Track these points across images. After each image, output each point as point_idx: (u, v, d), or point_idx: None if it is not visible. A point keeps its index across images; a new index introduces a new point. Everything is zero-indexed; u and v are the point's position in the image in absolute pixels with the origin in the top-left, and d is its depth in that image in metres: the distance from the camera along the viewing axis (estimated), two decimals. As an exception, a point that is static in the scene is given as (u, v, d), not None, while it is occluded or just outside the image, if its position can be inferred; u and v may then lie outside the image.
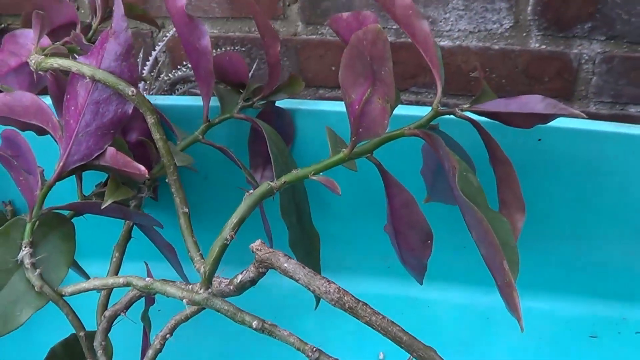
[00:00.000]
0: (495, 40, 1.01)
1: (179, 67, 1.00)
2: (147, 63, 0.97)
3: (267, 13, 1.04)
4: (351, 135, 0.53)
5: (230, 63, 0.67)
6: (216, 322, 0.74)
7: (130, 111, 0.57)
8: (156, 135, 0.57)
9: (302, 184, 0.65)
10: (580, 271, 0.75)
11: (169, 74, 0.99)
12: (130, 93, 0.56)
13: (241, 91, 0.68)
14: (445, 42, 1.02)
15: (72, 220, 0.61)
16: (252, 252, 0.51)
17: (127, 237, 0.63)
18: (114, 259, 0.62)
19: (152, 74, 0.97)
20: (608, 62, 1.00)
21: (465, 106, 0.55)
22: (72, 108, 0.57)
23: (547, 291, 0.76)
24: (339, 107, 0.70)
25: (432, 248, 0.57)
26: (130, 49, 0.57)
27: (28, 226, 0.57)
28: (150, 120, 0.57)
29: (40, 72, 0.59)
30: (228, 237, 0.52)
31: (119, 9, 0.57)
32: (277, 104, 0.69)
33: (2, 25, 1.12)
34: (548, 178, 0.69)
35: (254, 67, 1.05)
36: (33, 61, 0.60)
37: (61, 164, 0.57)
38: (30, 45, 0.66)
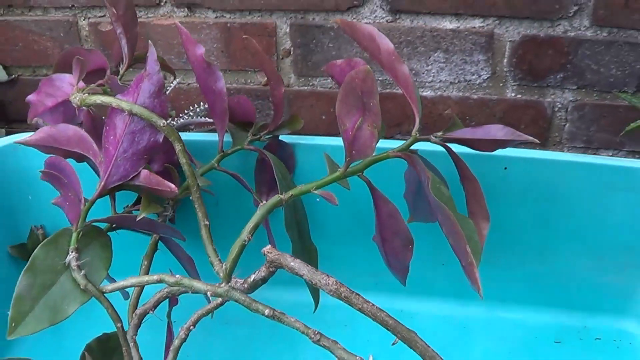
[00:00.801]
0: (474, 90, 1.17)
1: (180, 115, 1.18)
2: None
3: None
4: (345, 157, 0.71)
5: (239, 105, 0.87)
6: (225, 330, 0.93)
7: (161, 140, 0.76)
8: (182, 160, 0.76)
9: (302, 206, 0.84)
10: (545, 285, 0.94)
11: (173, 122, 1.17)
12: (161, 124, 0.75)
13: (248, 129, 0.88)
14: (427, 92, 1.18)
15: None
16: (264, 255, 0.69)
17: (154, 248, 0.81)
18: (143, 267, 0.80)
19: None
20: (580, 110, 1.16)
21: (439, 134, 0.74)
22: (111, 137, 0.76)
23: (516, 303, 0.95)
24: (333, 141, 0.89)
25: (412, 252, 0.76)
26: (162, 88, 0.76)
27: (74, 235, 0.75)
28: (178, 147, 0.76)
29: (83, 107, 0.78)
30: (246, 238, 0.70)
31: (152, 55, 0.76)
32: (281, 138, 0.88)
33: (13, 76, 1.29)
34: (514, 202, 0.88)
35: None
36: (77, 99, 0.78)
37: (102, 184, 0.75)
38: (65, 87, 0.85)
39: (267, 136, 0.87)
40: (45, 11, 1.25)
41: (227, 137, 0.86)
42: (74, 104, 0.79)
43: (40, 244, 0.74)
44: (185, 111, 1.20)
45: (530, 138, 0.70)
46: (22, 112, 1.29)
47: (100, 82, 0.83)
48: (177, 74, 1.18)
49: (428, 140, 0.74)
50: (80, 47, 1.01)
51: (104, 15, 1.22)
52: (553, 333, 0.94)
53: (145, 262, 0.81)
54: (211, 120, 1.09)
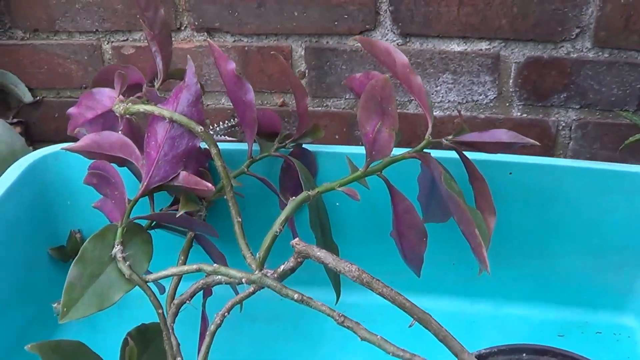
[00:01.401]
0: (481, 110, 1.28)
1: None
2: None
3: (278, 87, 1.32)
4: (366, 158, 0.84)
5: (265, 117, 1.00)
6: (251, 327, 1.06)
7: (198, 144, 0.89)
8: (218, 163, 0.89)
9: (324, 207, 0.97)
10: (548, 283, 1.06)
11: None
12: (199, 130, 0.88)
13: (273, 139, 1.02)
14: (436, 112, 1.28)
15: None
16: (293, 247, 0.80)
17: (190, 244, 0.94)
18: (180, 261, 0.92)
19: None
20: (583, 128, 1.26)
21: (450, 137, 0.87)
22: (153, 143, 0.89)
23: (521, 300, 1.06)
24: (351, 149, 1.02)
25: (426, 244, 0.89)
26: (199, 97, 0.89)
27: (119, 230, 0.87)
28: (214, 150, 0.89)
29: (126, 115, 0.92)
30: (277, 230, 0.82)
31: (190, 69, 0.90)
32: (304, 146, 1.02)
33: (37, 98, 1.40)
34: (518, 205, 1.00)
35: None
36: (121, 108, 0.91)
37: (145, 184, 0.88)
38: (105, 100, 0.97)
39: (292, 144, 1.01)
40: (69, 35, 1.36)
41: (255, 147, 0.99)
42: (117, 113, 0.92)
43: (88, 238, 0.87)
44: (210, 134, 1.34)
45: (532, 141, 0.82)
46: (46, 133, 1.42)
47: (139, 94, 0.96)
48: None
49: (440, 143, 0.87)
50: (117, 65, 1.16)
51: (127, 40, 1.34)
52: (556, 327, 1.06)
53: (182, 257, 0.93)
54: (231, 138, 1.23)
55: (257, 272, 0.82)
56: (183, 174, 0.88)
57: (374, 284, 0.75)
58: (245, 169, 0.98)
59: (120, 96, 0.95)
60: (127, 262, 0.86)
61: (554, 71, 1.23)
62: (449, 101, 1.30)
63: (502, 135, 0.84)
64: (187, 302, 0.87)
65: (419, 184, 0.93)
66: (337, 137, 1.36)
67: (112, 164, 0.90)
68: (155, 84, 1.00)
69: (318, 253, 0.78)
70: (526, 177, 1.00)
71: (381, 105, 0.80)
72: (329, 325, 0.79)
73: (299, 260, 0.80)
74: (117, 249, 0.86)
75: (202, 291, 0.88)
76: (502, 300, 1.08)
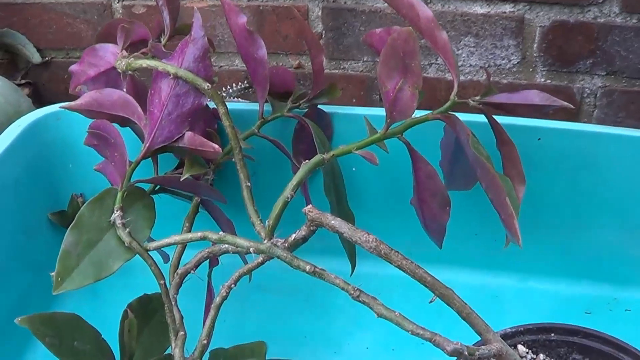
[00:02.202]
0: (503, 75, 1.20)
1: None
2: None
3: (294, 49, 1.24)
4: (386, 118, 0.74)
5: (279, 75, 0.90)
6: (260, 297, 0.96)
7: (205, 103, 0.79)
8: (226, 123, 0.79)
9: (340, 172, 0.86)
10: (576, 256, 0.96)
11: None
12: (206, 87, 0.78)
13: (287, 99, 0.91)
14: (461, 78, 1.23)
15: (150, 196, 0.83)
16: (305, 214, 0.72)
17: (195, 210, 0.84)
18: (185, 228, 0.83)
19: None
20: (608, 96, 1.18)
21: (477, 98, 0.77)
22: (156, 100, 0.79)
23: (547, 274, 0.97)
24: (370, 111, 0.92)
25: (449, 214, 0.79)
26: (206, 52, 0.79)
27: (119, 194, 0.78)
28: (222, 110, 0.79)
29: (129, 72, 0.82)
30: (289, 195, 0.73)
31: (197, 21, 0.79)
32: (319, 106, 0.92)
33: (47, 59, 1.32)
34: (547, 173, 0.90)
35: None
36: (123, 63, 0.81)
37: (147, 145, 0.78)
38: (108, 57, 0.88)
39: (306, 104, 0.90)
40: (78, -6, 1.26)
41: (267, 107, 0.89)
42: (119, 69, 0.82)
43: (86, 202, 0.77)
44: (218, 92, 1.25)
45: (566, 103, 0.73)
46: (56, 94, 1.34)
47: (143, 50, 0.86)
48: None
49: (466, 104, 0.76)
50: (123, 19, 1.05)
51: (138, -2, 1.25)
52: (584, 304, 0.96)
53: (187, 224, 0.84)
54: (244, 101, 1.13)
55: (266, 241, 0.72)
56: (188, 134, 0.78)
57: (392, 256, 0.67)
58: (256, 130, 0.87)
59: (124, 51, 0.84)
60: (127, 229, 0.77)
61: (580, 36, 1.14)
62: (471, 65, 1.21)
63: (534, 96, 0.74)
64: (192, 272, 0.79)
65: (442, 148, 0.84)
66: (354, 100, 1.28)
67: (114, 123, 0.80)
68: (162, 40, 0.90)
69: (332, 222, 0.69)
70: (556, 144, 0.91)
71: (403, 60, 0.70)
72: (343, 298, 0.71)
73: (311, 228, 0.71)
74: (116, 215, 0.77)
75: (207, 260, 0.79)
76: (527, 274, 0.99)
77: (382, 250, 0.67)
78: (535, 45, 1.17)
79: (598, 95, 1.20)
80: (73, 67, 0.90)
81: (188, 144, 0.78)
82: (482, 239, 0.97)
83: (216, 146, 0.77)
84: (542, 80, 1.20)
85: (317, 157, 0.75)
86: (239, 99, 1.18)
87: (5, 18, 1.32)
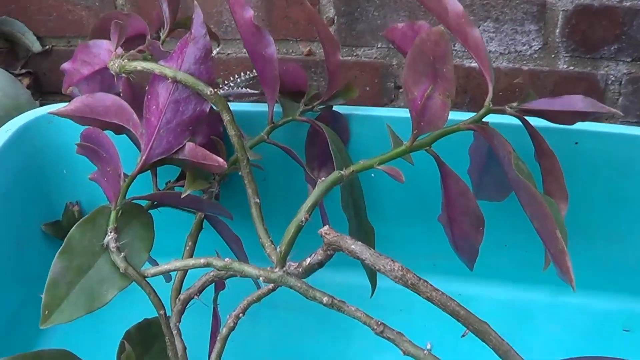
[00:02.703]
0: (524, 62, 1.09)
1: (220, 86, 1.09)
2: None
3: (305, 35, 1.13)
4: (412, 129, 0.61)
5: (289, 73, 0.77)
6: (273, 315, 0.84)
7: (207, 109, 0.66)
8: (231, 132, 0.66)
9: (359, 183, 0.73)
10: (614, 268, 0.84)
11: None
12: (208, 93, 0.65)
13: (299, 98, 0.78)
14: (476, 64, 1.09)
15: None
16: (321, 236, 0.60)
17: (199, 227, 0.71)
18: (187, 247, 0.71)
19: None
20: (634, 83, 1.07)
21: (514, 104, 0.64)
22: (154, 107, 0.66)
23: (582, 287, 0.83)
24: (390, 112, 0.79)
25: (483, 234, 0.66)
26: (209, 53, 0.66)
27: (113, 214, 0.65)
28: (226, 117, 0.66)
29: (122, 74, 0.68)
30: (303, 219, 0.60)
31: (198, 17, 0.66)
32: (334, 108, 0.78)
33: (47, 47, 1.21)
34: (584, 180, 0.78)
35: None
36: (116, 65, 0.68)
37: (144, 158, 0.66)
38: (103, 54, 0.75)
39: (320, 106, 0.77)
40: (80, -21, 1.18)
41: (277, 108, 0.76)
42: (112, 71, 0.70)
43: (76, 224, 0.64)
44: (225, 82, 1.12)
45: (613, 110, 0.60)
46: (57, 84, 1.20)
47: (140, 47, 0.73)
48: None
49: (503, 111, 0.63)
50: (118, 12, 0.90)
51: (141, -17, 1.13)
52: (622, 320, 0.84)
53: (190, 243, 0.71)
54: (252, 91, 1.00)
55: (277, 269, 0.60)
56: (189, 145, 0.66)
57: (421, 287, 0.57)
58: (265, 137, 0.75)
59: (119, 49, 0.71)
60: (122, 253, 0.65)
61: (604, 21, 1.03)
62: (490, 51, 1.10)
63: (578, 102, 0.62)
64: (195, 297, 0.67)
65: (471, 155, 0.72)
66: (367, 89, 1.17)
67: (109, 130, 0.68)
68: (162, 34, 0.76)
69: (352, 246, 0.58)
70: (595, 148, 0.78)
71: (434, 65, 0.58)
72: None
73: (328, 253, 0.60)
74: (110, 237, 0.65)
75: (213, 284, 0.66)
76: (560, 287, 0.84)
77: (409, 280, 0.56)
78: (557, 30, 1.06)
79: (623, 83, 1.09)
80: (65, 66, 0.78)
81: (189, 157, 0.66)
82: (512, 251, 0.84)
83: (221, 160, 0.64)
84: (565, 67, 1.09)
85: (335, 175, 0.62)
86: (247, 89, 1.05)
87: (3, 5, 1.22)
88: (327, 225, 0.60)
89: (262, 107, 0.76)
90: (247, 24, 0.71)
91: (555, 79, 1.09)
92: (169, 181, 0.74)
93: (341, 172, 0.62)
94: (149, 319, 0.70)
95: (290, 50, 1.15)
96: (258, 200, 0.66)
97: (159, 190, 0.71)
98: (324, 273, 0.62)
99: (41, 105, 1.13)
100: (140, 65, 0.67)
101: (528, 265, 0.78)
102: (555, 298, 0.87)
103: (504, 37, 1.08)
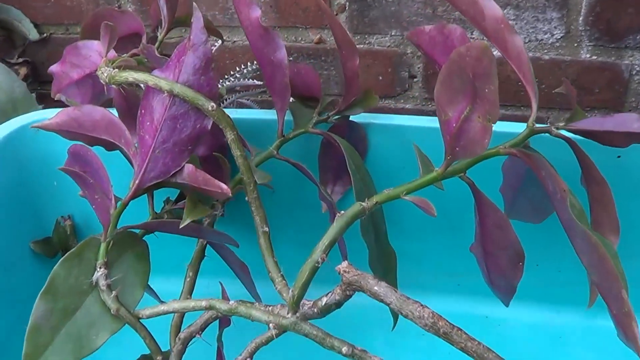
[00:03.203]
0: (545, 50, 0.98)
1: (226, 76, 0.97)
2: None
3: (315, 23, 1.01)
4: (446, 154, 0.50)
5: (300, 76, 0.65)
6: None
7: (209, 126, 0.55)
8: (236, 152, 0.55)
9: (380, 207, 0.62)
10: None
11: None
12: (210, 108, 0.53)
13: (311, 104, 0.66)
14: (495, 52, 0.98)
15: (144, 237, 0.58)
16: (339, 274, 0.49)
17: (201, 256, 0.60)
18: (188, 279, 0.59)
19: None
20: None
21: (561, 124, 0.52)
22: (148, 123, 0.54)
23: None
24: (413, 121, 0.67)
25: (523, 270, 0.55)
26: (210, 62, 0.54)
27: (102, 246, 0.54)
28: (230, 136, 0.54)
29: (112, 85, 0.57)
30: (319, 260, 0.49)
31: (197, 21, 0.54)
32: (351, 118, 0.66)
33: (45, 35, 1.09)
34: (628, 197, 0.65)
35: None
36: (105, 74, 0.57)
37: (137, 182, 0.54)
38: (94, 56, 0.64)
39: (336, 117, 0.65)
40: (78, -36, 1.08)
41: (287, 115, 0.64)
42: (101, 80, 0.57)
43: (60, 259, 0.53)
44: (232, 72, 1.00)
45: None
46: (55, 73, 1.09)
47: (134, 51, 0.62)
48: (221, 31, 0.97)
49: (548, 131, 0.51)
50: (112, 8, 0.77)
51: (143, -32, 1.02)
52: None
53: (191, 274, 0.60)
54: (259, 82, 0.88)
55: (290, 314, 0.49)
56: (188, 168, 0.55)
57: (454, 337, 0.47)
58: (275, 152, 0.63)
59: (112, 53, 0.60)
60: (114, 292, 0.54)
61: (630, 8, 0.94)
62: None
63: (633, 122, 0.50)
64: (197, 335, 0.56)
65: (505, 174, 0.61)
66: (380, 78, 1.05)
67: (99, 146, 0.57)
68: (159, 33, 0.64)
69: (375, 287, 0.48)
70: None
71: (473, 83, 0.46)
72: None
73: (347, 293, 0.50)
74: (99, 274, 0.55)
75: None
76: (595, 309, 0.72)
77: (440, 329, 0.47)
78: (581, 18, 0.96)
79: (648, 73, 0.99)
80: (54, 68, 0.68)
81: (189, 181, 0.54)
82: (544, 271, 0.72)
83: (224, 187, 0.52)
84: (588, 56, 0.99)
85: (356, 207, 0.51)
86: (254, 80, 0.93)
87: (-2, -8, 1.12)
88: (346, 262, 0.49)
89: (271, 115, 0.64)
90: (254, 25, 0.59)
91: (578, 69, 0.99)
92: (168, 199, 0.62)
93: (363, 204, 0.50)
94: (146, 355, 0.59)
95: (300, 38, 1.04)
96: (267, 229, 0.54)
97: (156, 213, 0.59)
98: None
99: (39, 96, 1.01)
100: (131, 76, 0.55)
101: (561, 285, 0.67)
102: (590, 321, 0.75)
103: (525, 24, 0.98)
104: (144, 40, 0.64)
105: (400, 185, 0.51)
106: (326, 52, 1.04)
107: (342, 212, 0.50)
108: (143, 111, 0.55)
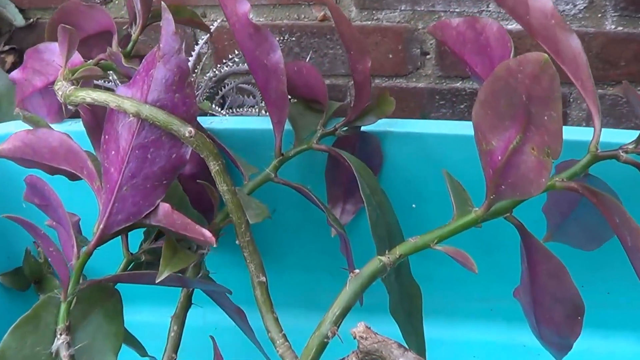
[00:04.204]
0: (568, 22, 0.83)
1: (224, 61, 0.82)
2: (190, 59, 0.79)
3: None
4: (487, 192, 0.35)
5: (301, 76, 0.50)
6: None
7: (187, 156, 0.40)
8: (222, 187, 0.40)
9: (400, 231, 0.47)
10: None
11: (214, 70, 0.81)
12: (187, 134, 0.39)
13: (315, 107, 0.51)
14: (513, 25, 0.84)
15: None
16: (354, 337, 0.35)
17: (187, 305, 0.46)
18: (172, 334, 0.45)
19: (196, 70, 0.80)
20: None
21: (630, 146, 0.37)
22: (113, 153, 0.40)
23: None
24: (436, 128, 0.51)
25: (582, 325, 0.40)
26: (185, 75, 0.40)
27: (63, 307, 0.40)
28: (215, 167, 0.40)
29: (69, 106, 0.42)
30: (329, 334, 0.35)
31: (168, 24, 0.39)
32: (363, 128, 0.51)
33: (31, 20, 0.94)
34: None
35: (307, 58, 0.87)
36: (60, 92, 0.42)
37: (101, 227, 0.40)
38: (57, 61, 0.49)
39: (344, 128, 0.49)
40: (62, -58, 0.88)
41: (287, 125, 0.49)
42: (58, 98, 0.43)
43: (12, 326, 0.39)
44: (230, 55, 0.85)
45: None
46: (45, 59, 0.94)
47: (101, 56, 0.47)
48: (215, 10, 0.81)
49: (615, 157, 0.36)
50: (79, 2, 0.60)
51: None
52: None
53: (175, 327, 0.46)
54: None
55: None
56: (164, 208, 0.40)
57: None
58: (272, 175, 0.47)
59: (77, 58, 0.45)
60: None
61: None
62: None
63: None
64: None
65: (549, 195, 0.44)
66: (390, 56, 0.89)
67: (60, 175, 0.42)
68: (133, 32, 0.49)
69: (401, 359, 0.35)
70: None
71: (527, 107, 0.30)
72: None
73: None
74: (60, 342, 0.40)
75: None
76: (634, 331, 0.59)
77: None
78: None
79: (679, 44, 0.85)
80: (14, 74, 0.52)
81: (165, 224, 0.40)
82: (591, 293, 0.57)
83: (207, 233, 0.38)
84: (612, 27, 0.85)
85: (375, 264, 0.37)
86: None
87: (-22, -25, 0.94)
88: (363, 324, 0.36)
89: (268, 124, 0.49)
90: (242, 21, 0.44)
91: (602, 42, 0.85)
92: (148, 232, 0.48)
93: (382, 259, 0.36)
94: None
95: (303, 16, 0.88)
96: (264, 279, 0.40)
97: (132, 254, 0.45)
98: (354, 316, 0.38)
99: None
100: (90, 96, 0.40)
101: (610, 308, 0.53)
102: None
103: (546, -6, 0.81)
104: (115, 40, 0.49)
105: (430, 232, 0.37)
106: (331, 30, 0.88)
107: (357, 270, 0.36)
108: (107, 137, 0.41)
